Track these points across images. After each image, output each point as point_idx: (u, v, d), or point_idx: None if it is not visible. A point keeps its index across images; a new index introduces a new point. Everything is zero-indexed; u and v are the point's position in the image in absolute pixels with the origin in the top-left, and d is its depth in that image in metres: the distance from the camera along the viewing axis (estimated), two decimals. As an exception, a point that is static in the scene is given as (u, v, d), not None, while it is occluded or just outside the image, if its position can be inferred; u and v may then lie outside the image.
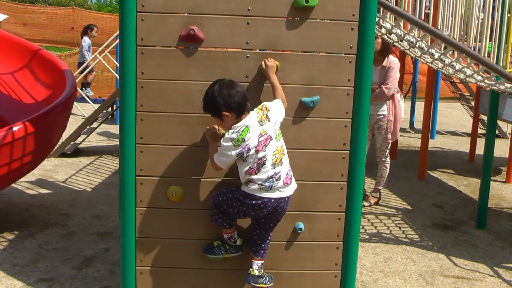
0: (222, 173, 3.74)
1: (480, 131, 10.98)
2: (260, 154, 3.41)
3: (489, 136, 6.43)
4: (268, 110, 3.47)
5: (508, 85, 5.57)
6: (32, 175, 7.83)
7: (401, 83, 10.57)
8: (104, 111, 9.86)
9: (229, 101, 3.39)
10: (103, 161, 9.19)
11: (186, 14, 3.61)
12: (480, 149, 10.06)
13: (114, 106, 10.85)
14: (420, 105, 12.87)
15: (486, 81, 5.77)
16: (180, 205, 3.77)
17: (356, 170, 3.74)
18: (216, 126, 3.63)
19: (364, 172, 3.79)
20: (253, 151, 3.40)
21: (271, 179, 3.45)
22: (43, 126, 5.57)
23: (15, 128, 5.25)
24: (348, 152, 3.74)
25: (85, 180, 7.95)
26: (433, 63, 6.08)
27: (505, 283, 5.01)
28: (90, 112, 10.28)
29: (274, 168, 3.45)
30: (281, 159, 3.48)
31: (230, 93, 3.39)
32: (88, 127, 9.55)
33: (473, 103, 11.68)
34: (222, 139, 3.47)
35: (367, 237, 6.04)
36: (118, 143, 3.78)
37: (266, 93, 3.67)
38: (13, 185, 7.17)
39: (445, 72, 6.33)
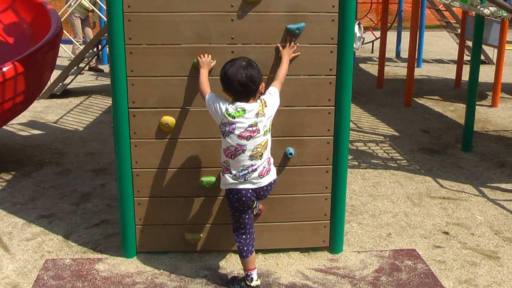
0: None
1: (466, 57, 11.04)
2: (242, 142, 3.35)
3: (474, 61, 6.51)
4: (266, 106, 3.38)
5: (492, 9, 5.59)
6: (23, 117, 7.89)
7: (386, 13, 10.55)
8: (90, 50, 9.81)
9: (227, 83, 3.35)
10: (93, 101, 9.23)
11: None
12: (466, 75, 10.13)
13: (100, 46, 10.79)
14: (406, 35, 12.83)
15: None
16: (172, 135, 3.85)
17: (343, 94, 3.80)
18: (207, 55, 3.67)
19: (351, 96, 3.86)
20: (236, 134, 3.34)
21: (245, 170, 3.40)
22: (32, 65, 5.59)
23: (4, 69, 5.28)
24: (335, 77, 3.79)
25: (76, 120, 8.02)
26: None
27: (489, 202, 5.19)
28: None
29: (251, 160, 3.39)
30: (261, 154, 3.40)
31: (229, 78, 3.31)
32: (75, 67, 9.53)
33: (459, 31, 11.68)
34: (220, 100, 3.41)
35: (356, 163, 6.18)
36: (106, 82, 3.80)
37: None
38: (4, 127, 7.24)
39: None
